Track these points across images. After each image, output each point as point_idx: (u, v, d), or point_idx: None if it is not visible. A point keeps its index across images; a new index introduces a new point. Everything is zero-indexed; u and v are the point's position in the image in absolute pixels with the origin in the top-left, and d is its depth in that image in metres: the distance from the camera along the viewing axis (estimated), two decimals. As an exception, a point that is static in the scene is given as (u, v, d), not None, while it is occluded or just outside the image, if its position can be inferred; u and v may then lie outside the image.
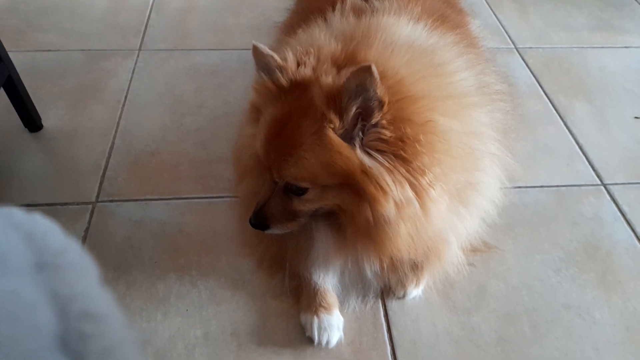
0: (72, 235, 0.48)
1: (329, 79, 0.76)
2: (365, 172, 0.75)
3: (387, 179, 0.74)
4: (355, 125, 0.75)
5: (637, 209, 1.24)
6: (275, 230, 0.88)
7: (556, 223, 1.21)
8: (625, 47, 1.79)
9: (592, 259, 1.14)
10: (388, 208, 0.76)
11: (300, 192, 0.82)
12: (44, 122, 1.38)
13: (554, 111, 1.51)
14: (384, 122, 0.73)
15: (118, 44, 1.68)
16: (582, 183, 1.31)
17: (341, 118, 0.74)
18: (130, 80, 1.54)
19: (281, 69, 0.79)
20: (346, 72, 0.75)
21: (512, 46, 1.77)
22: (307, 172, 0.78)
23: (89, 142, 1.35)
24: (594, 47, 1.78)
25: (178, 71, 1.59)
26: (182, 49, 1.68)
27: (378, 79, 0.69)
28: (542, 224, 1.21)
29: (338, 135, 0.75)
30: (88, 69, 1.58)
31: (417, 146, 0.73)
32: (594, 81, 1.63)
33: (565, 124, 1.47)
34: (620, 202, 1.26)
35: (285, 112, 0.79)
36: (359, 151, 0.75)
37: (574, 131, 1.45)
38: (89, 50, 1.65)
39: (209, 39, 1.74)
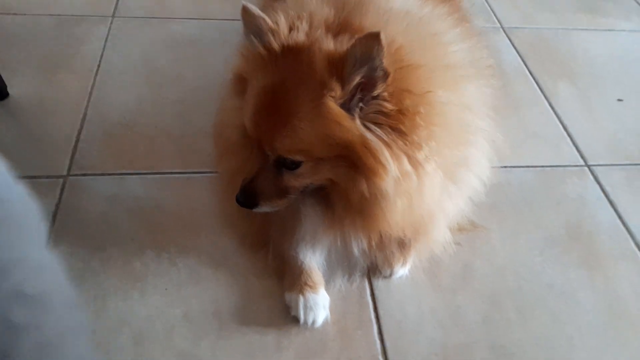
0: (41, 209, 0.40)
1: (330, 44, 0.72)
2: (365, 144, 0.71)
3: (386, 153, 0.71)
4: (354, 95, 0.71)
5: (619, 189, 1.25)
6: (263, 209, 0.83)
7: (540, 203, 1.21)
8: (609, 30, 1.79)
9: (575, 239, 1.14)
10: (387, 181, 0.72)
11: (293, 166, 0.77)
12: (9, 90, 1.29)
13: (540, 92, 1.50)
14: (385, 94, 0.70)
15: (89, 9, 1.59)
16: (567, 164, 1.31)
17: (343, 87, 0.70)
18: (104, 49, 1.45)
19: (273, 32, 0.74)
20: (347, 39, 0.72)
21: (499, 25, 1.75)
22: (303, 143, 0.73)
23: (59, 112, 1.27)
24: (578, 30, 1.77)
25: (155, 40, 1.51)
26: (159, 17, 1.60)
27: (385, 48, 0.66)
28: (526, 204, 1.20)
29: (338, 105, 0.71)
30: (57, 34, 1.48)
31: (417, 119, 0.70)
32: (579, 63, 1.62)
33: (550, 105, 1.46)
34: (603, 182, 1.26)
35: (277, 80, 0.74)
36: (358, 123, 0.71)
37: (559, 112, 1.44)
38: (59, 15, 1.55)
39: (188, 7, 1.65)
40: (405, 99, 0.70)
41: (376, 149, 0.71)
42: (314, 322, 0.92)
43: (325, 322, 0.94)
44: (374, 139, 0.71)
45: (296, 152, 0.75)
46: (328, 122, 0.71)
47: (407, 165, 0.73)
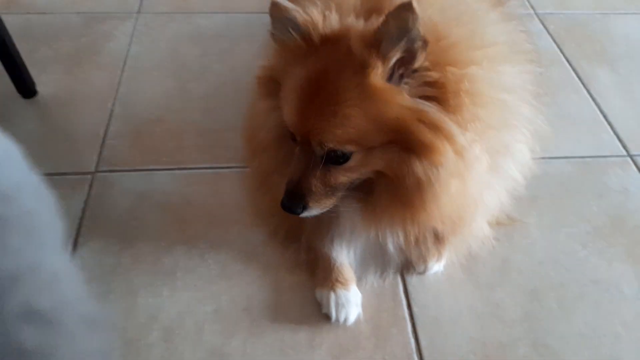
0: (70, 206, 0.37)
1: (360, 24, 0.69)
2: (421, 118, 0.67)
3: (447, 120, 0.67)
4: (393, 72, 0.68)
5: (666, 181, 1.18)
6: (313, 212, 0.78)
7: (582, 195, 1.15)
8: (650, 13, 1.70)
9: (619, 232, 1.08)
10: (447, 155, 0.68)
11: (343, 159, 0.73)
12: (38, 88, 1.30)
13: (577, 79, 1.44)
14: (427, 64, 0.66)
15: (115, 6, 1.59)
16: (608, 154, 1.25)
17: (384, 63, 0.67)
18: (130, 45, 1.45)
19: (309, 24, 0.71)
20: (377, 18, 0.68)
21: (532, 11, 1.68)
22: (354, 131, 0.70)
23: (87, 108, 1.27)
24: (616, 14, 1.69)
25: (180, 35, 1.50)
26: (184, 12, 1.59)
27: (420, 17, 0.62)
28: (567, 196, 1.15)
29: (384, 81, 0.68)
30: (83, 32, 1.49)
31: (461, 95, 0.66)
32: (618, 49, 1.55)
33: (589, 93, 1.40)
34: (648, 174, 1.20)
35: (318, 70, 0.71)
36: (408, 97, 0.68)
37: (598, 100, 1.37)
38: (84, 13, 1.56)
39: (212, 1, 1.64)
40: (447, 72, 0.67)
41: (435, 118, 0.67)
42: (346, 320, 0.89)
43: (357, 320, 0.91)
44: (429, 110, 0.68)
45: (348, 142, 0.72)
46: (378, 103, 0.68)
47: (463, 139, 0.69)
